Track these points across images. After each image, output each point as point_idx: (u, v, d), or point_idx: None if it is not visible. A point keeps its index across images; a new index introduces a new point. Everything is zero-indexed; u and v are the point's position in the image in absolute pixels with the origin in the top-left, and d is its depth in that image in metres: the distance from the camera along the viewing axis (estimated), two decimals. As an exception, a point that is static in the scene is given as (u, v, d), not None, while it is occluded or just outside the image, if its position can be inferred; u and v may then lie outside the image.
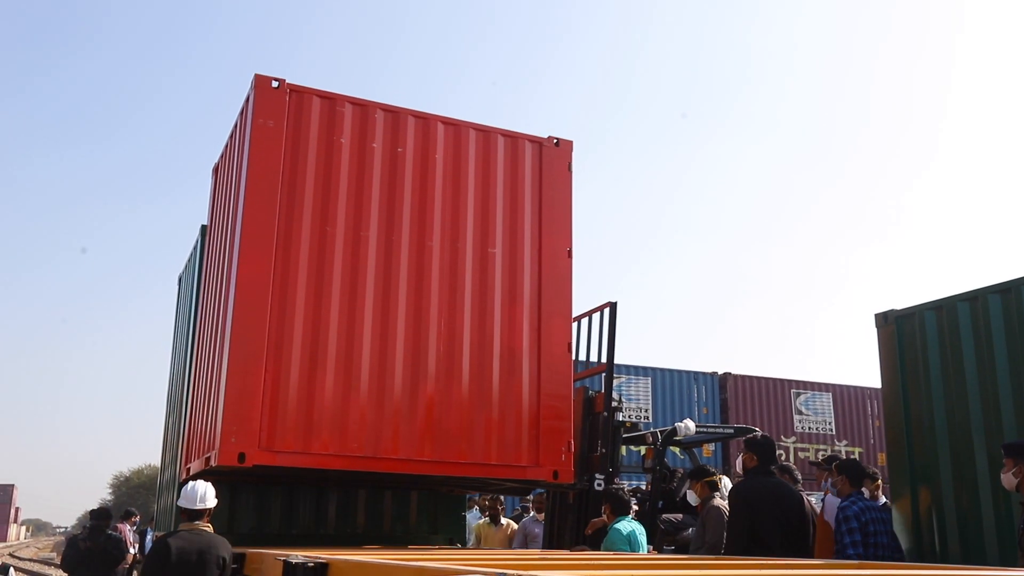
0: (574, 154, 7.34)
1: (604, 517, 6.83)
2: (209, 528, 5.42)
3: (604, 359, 8.10)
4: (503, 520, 9.53)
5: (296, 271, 6.17)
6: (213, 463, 5.84)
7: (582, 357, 8.45)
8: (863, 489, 6.33)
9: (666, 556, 5.89)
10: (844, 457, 7.48)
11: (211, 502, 5.46)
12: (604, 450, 7.70)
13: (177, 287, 11.18)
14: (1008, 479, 5.00)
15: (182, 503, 5.45)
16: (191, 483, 5.58)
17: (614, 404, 8.06)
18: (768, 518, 5.64)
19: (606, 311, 8.15)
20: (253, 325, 5.96)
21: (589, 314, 8.49)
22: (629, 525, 6.56)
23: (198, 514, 5.40)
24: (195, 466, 6.50)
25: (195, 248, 9.37)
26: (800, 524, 5.85)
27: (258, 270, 6.05)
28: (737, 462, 7.24)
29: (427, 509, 7.77)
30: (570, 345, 6.98)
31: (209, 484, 5.57)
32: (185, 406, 7.98)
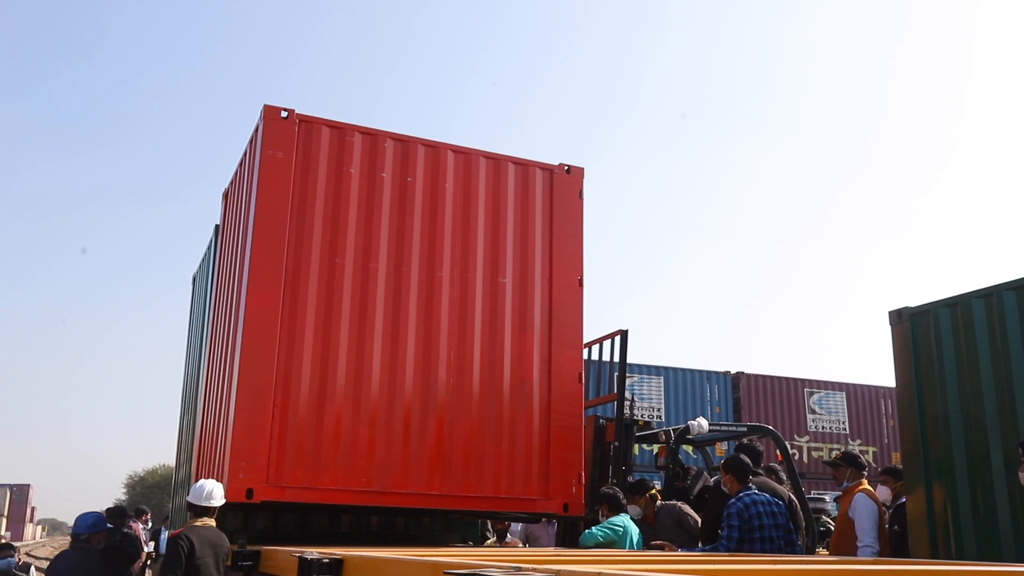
0: (585, 176, 7.31)
1: (600, 517, 6.81)
2: (213, 523, 5.63)
3: (615, 387, 8.03)
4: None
5: (305, 304, 6.16)
6: None
7: (592, 384, 8.43)
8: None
9: (682, 553, 5.88)
10: (852, 452, 7.38)
11: (218, 501, 5.64)
12: (615, 480, 7.62)
13: (191, 288, 11.22)
14: None
15: (191, 499, 5.66)
16: (201, 481, 5.76)
17: (626, 403, 8.03)
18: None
19: (617, 339, 8.10)
20: (261, 360, 5.95)
21: (600, 341, 8.46)
22: (621, 520, 6.54)
23: (206, 511, 5.60)
24: None
25: (209, 248, 9.39)
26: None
27: (266, 304, 6.03)
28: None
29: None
30: (581, 375, 6.93)
31: (218, 483, 5.72)
32: (196, 420, 7.99)
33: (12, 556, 10.05)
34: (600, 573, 2.35)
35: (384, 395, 6.26)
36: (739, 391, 22.23)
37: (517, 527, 9.52)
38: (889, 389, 23.12)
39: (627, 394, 8.13)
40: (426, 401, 6.37)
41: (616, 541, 6.38)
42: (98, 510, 8.24)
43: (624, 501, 6.81)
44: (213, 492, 5.62)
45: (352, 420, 6.15)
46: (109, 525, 7.62)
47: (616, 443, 7.85)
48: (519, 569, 2.53)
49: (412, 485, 6.21)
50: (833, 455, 8.17)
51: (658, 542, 6.32)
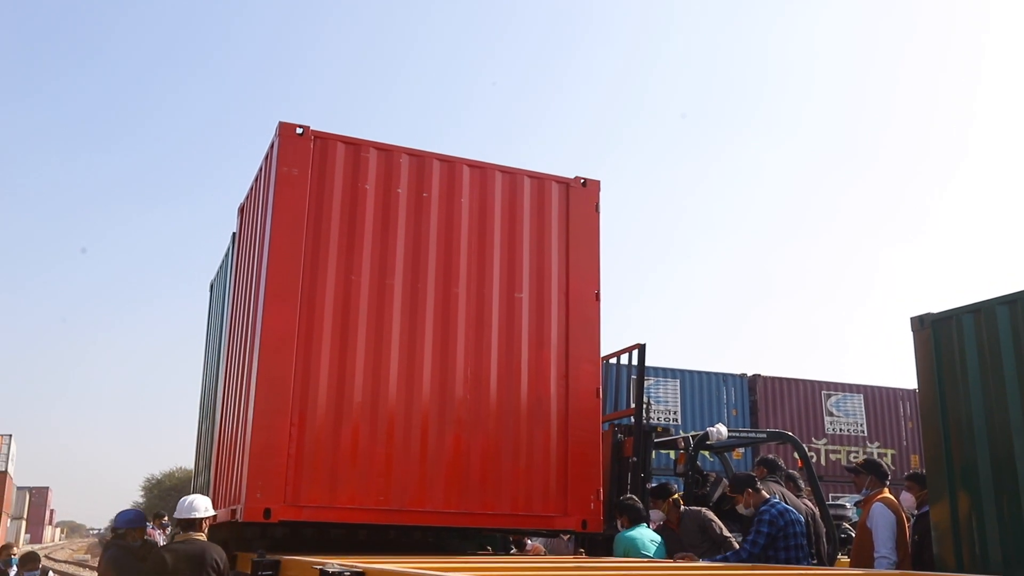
0: (601, 188, 7.25)
1: (619, 527, 6.77)
2: (202, 536, 5.65)
3: (632, 400, 8.00)
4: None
5: (321, 321, 6.14)
6: (239, 517, 5.85)
7: (610, 396, 8.37)
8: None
9: (703, 563, 5.83)
10: (875, 460, 7.28)
11: (201, 512, 5.68)
12: (633, 495, 7.49)
13: (209, 294, 11.24)
14: None
15: (176, 515, 5.76)
16: (185, 496, 5.87)
17: (645, 406, 8.00)
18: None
19: (635, 353, 8.06)
20: (278, 379, 5.93)
21: (617, 355, 8.39)
22: (639, 532, 6.53)
23: (190, 524, 5.65)
24: (222, 515, 6.50)
25: (226, 255, 9.40)
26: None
27: (283, 322, 6.02)
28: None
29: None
30: (598, 390, 6.88)
31: (199, 496, 5.82)
32: (215, 429, 8.00)
33: (36, 570, 10.14)
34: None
35: (401, 412, 6.24)
36: (756, 393, 22.08)
37: None
38: (907, 391, 22.89)
39: (644, 399, 8.10)
40: (443, 418, 6.35)
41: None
42: (137, 508, 8.39)
43: (644, 513, 6.77)
44: (194, 504, 5.68)
45: (369, 438, 6.13)
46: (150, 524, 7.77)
47: (635, 458, 7.79)
48: None
49: (429, 503, 6.20)
50: (852, 459, 8.07)
51: (682, 554, 6.28)
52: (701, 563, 5.83)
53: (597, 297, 6.99)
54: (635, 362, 8.13)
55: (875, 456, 22.24)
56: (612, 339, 8.84)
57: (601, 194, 7.27)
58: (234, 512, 6.07)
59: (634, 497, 7.00)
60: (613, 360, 8.58)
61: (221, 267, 9.96)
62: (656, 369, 20.80)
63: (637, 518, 6.64)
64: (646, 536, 6.58)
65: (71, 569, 29.80)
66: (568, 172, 7.27)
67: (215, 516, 5.94)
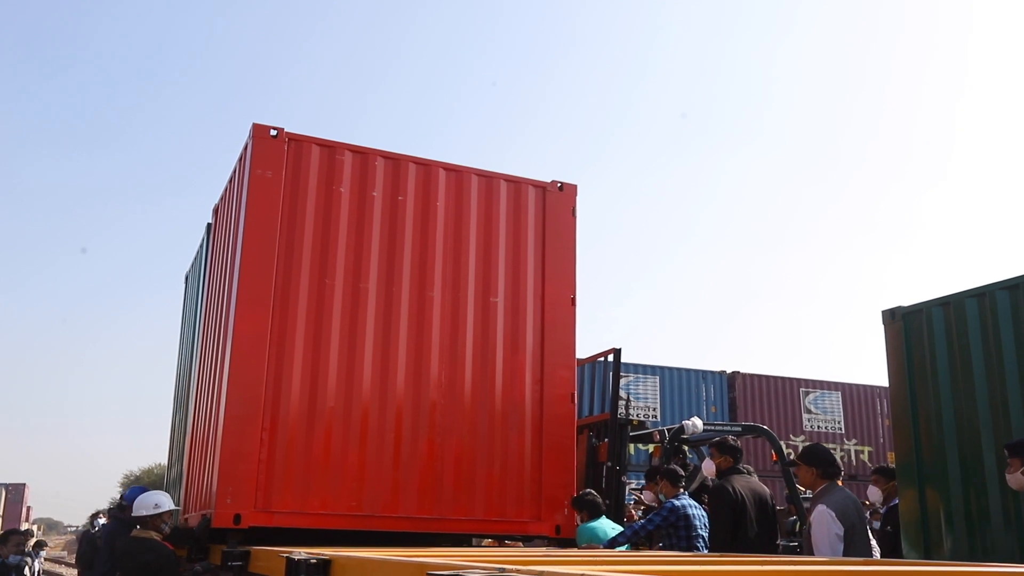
0: (578, 192, 7.20)
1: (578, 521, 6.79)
2: (148, 535, 5.86)
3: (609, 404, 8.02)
4: None
5: (294, 325, 6.09)
6: (208, 524, 5.81)
7: (586, 397, 8.38)
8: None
9: (671, 553, 5.85)
10: (813, 449, 6.97)
11: (145, 511, 5.90)
12: (608, 501, 7.50)
13: (184, 286, 11.16)
14: (1017, 479, 4.94)
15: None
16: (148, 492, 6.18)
17: (621, 403, 8.03)
18: (749, 513, 6.09)
19: (610, 357, 8.08)
20: (249, 383, 5.88)
21: (593, 359, 8.40)
22: (599, 523, 6.56)
23: (140, 521, 5.92)
24: (193, 519, 6.45)
25: (201, 247, 9.33)
26: (772, 517, 6.35)
27: (255, 327, 5.97)
28: (705, 464, 7.21)
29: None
30: (573, 395, 6.87)
31: (151, 493, 6.08)
32: (188, 423, 7.96)
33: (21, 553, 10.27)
34: (583, 574, 2.32)
35: (374, 417, 6.20)
36: (735, 391, 22.21)
37: None
38: (885, 389, 22.90)
39: (622, 393, 8.12)
40: (417, 423, 6.31)
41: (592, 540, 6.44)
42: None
43: (603, 507, 6.77)
44: (141, 503, 5.95)
45: (342, 443, 6.09)
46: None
47: (609, 463, 7.80)
48: (503, 570, 2.49)
49: (403, 508, 6.17)
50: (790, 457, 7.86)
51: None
52: (669, 552, 5.84)
53: (573, 302, 6.95)
54: (611, 367, 8.15)
55: (852, 453, 22.48)
56: (599, 338, 8.87)
57: (579, 198, 7.22)
58: (204, 516, 6.01)
59: (593, 492, 6.94)
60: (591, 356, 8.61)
61: (196, 258, 9.88)
62: (635, 366, 20.87)
63: (596, 512, 6.64)
64: (606, 526, 6.59)
65: (48, 566, 29.56)
66: (555, 173, 7.26)
67: (169, 512, 6.06)
